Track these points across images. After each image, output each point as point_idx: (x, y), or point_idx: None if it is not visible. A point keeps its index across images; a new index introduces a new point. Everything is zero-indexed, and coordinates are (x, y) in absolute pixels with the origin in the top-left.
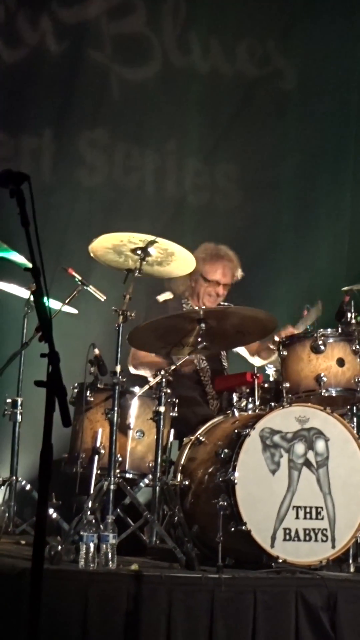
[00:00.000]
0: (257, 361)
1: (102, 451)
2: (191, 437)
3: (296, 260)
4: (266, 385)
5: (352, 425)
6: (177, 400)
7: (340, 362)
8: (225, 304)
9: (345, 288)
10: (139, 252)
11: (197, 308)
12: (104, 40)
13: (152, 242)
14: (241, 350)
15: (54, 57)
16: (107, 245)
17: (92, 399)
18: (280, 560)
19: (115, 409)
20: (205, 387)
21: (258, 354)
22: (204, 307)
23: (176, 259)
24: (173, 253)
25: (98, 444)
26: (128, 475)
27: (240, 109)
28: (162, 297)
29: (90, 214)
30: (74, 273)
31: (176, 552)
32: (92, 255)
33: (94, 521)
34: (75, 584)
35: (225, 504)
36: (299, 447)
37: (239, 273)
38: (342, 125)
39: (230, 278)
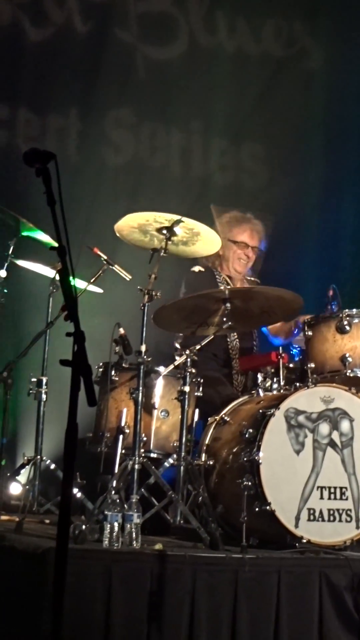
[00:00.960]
0: (277, 341)
1: (127, 431)
2: (216, 417)
3: (321, 240)
4: (291, 365)
5: None
6: (202, 380)
7: None
8: (253, 278)
9: None
10: (164, 231)
11: (222, 288)
12: (130, 20)
13: (178, 222)
14: (263, 330)
15: (80, 36)
16: (132, 224)
17: (117, 379)
18: (304, 541)
19: (140, 388)
20: (233, 365)
21: (278, 335)
22: (229, 287)
23: (201, 239)
24: (199, 233)
25: (123, 424)
26: (152, 455)
27: (266, 88)
28: (196, 269)
29: (115, 193)
30: (99, 252)
31: (200, 532)
32: (117, 234)
33: (118, 500)
34: (100, 563)
35: (250, 484)
36: (324, 428)
37: (263, 242)
38: None
39: (257, 241)
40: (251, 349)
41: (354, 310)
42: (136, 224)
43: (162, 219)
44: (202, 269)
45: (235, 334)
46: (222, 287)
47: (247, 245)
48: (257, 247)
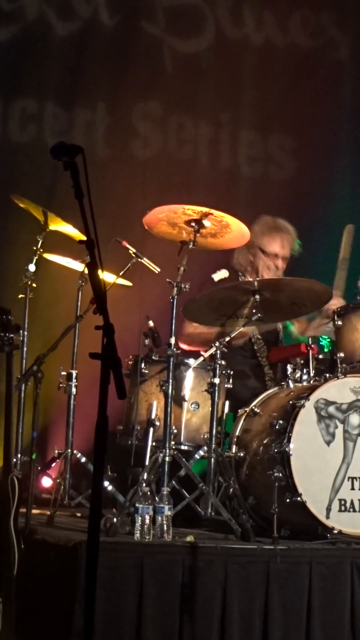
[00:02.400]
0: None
1: (157, 423)
2: (246, 409)
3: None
4: (321, 356)
5: None
6: (231, 372)
7: None
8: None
9: None
10: (193, 224)
11: (251, 280)
12: (157, 13)
13: (206, 214)
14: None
15: (107, 30)
16: (161, 217)
17: (146, 371)
18: (336, 531)
19: (170, 380)
20: (260, 360)
21: (303, 334)
22: (258, 278)
23: (230, 231)
24: (228, 225)
25: (153, 416)
26: (183, 447)
27: (294, 80)
28: (217, 276)
29: (144, 186)
30: (128, 245)
31: (231, 524)
32: (146, 227)
33: (149, 493)
34: (131, 555)
35: (281, 475)
36: (354, 418)
37: (297, 246)
38: None
39: (288, 251)
40: (276, 342)
41: None
42: (165, 217)
43: (191, 212)
44: (225, 275)
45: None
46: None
47: (277, 256)
48: (288, 256)
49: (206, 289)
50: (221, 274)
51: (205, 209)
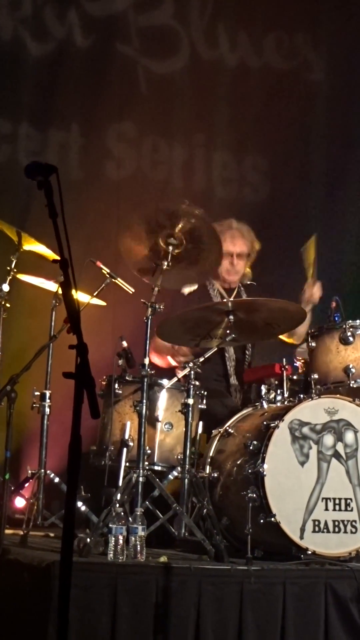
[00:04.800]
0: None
1: (131, 443)
2: (220, 429)
3: (324, 252)
4: (295, 377)
5: None
6: (205, 393)
7: None
8: (249, 282)
9: None
10: (168, 245)
11: (225, 300)
12: (132, 34)
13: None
14: None
15: (81, 50)
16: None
17: (120, 392)
18: (310, 552)
19: (144, 401)
20: (229, 378)
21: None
22: (232, 299)
23: (205, 252)
24: (201, 239)
25: (126, 437)
26: (157, 468)
27: (269, 101)
28: (186, 290)
29: (118, 207)
30: (102, 266)
31: (205, 544)
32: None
33: (122, 513)
34: (105, 576)
35: (255, 495)
36: (328, 439)
37: (256, 243)
38: None
39: (241, 247)
40: (242, 361)
41: (357, 321)
42: (140, 238)
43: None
44: (194, 287)
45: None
46: (219, 300)
47: (231, 254)
48: (242, 252)
49: (179, 304)
50: (190, 287)
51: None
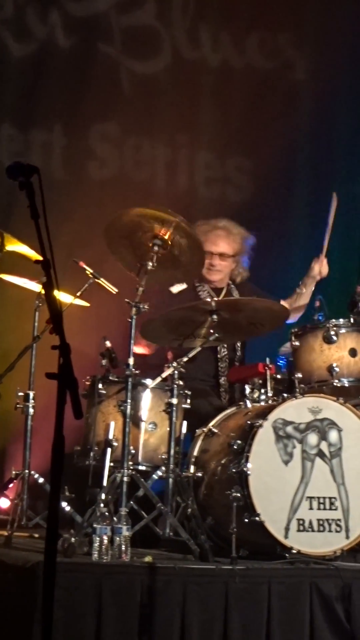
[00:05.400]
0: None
1: (115, 443)
2: (204, 429)
3: (309, 252)
4: (279, 376)
5: None
6: (189, 392)
7: (353, 352)
8: (230, 281)
9: None
10: (154, 245)
11: (209, 300)
12: (114, 34)
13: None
14: None
15: (63, 51)
16: (122, 234)
17: (104, 392)
18: (294, 551)
19: (128, 401)
20: (219, 377)
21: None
22: (216, 298)
23: (188, 255)
24: (187, 245)
25: (111, 437)
26: (141, 467)
27: (252, 101)
28: (175, 289)
29: (100, 207)
30: (85, 266)
31: (190, 544)
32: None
33: (107, 513)
34: (89, 576)
35: (239, 495)
36: (312, 438)
37: (242, 243)
38: (355, 116)
39: (225, 247)
40: (233, 360)
41: (341, 320)
42: (125, 234)
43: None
44: (183, 287)
45: (225, 345)
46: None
47: (211, 254)
48: (225, 252)
49: (166, 305)
50: (179, 287)
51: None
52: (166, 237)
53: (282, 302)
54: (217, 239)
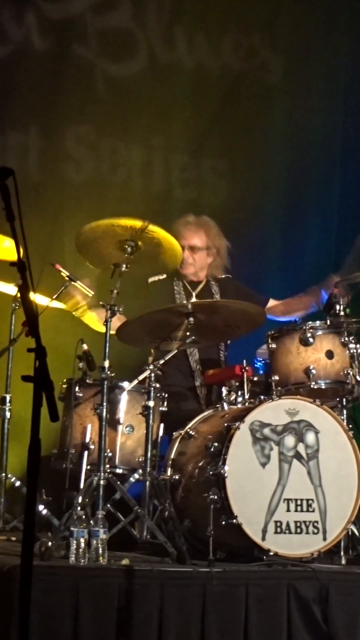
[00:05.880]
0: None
1: (92, 446)
2: (181, 431)
3: (284, 254)
4: (255, 378)
5: (342, 417)
6: (166, 395)
7: (330, 355)
8: (223, 276)
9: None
10: (126, 246)
11: (185, 302)
12: (89, 36)
13: (142, 229)
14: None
15: (39, 53)
16: (94, 236)
17: (81, 395)
18: (272, 553)
19: (104, 404)
20: (195, 378)
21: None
22: (192, 301)
23: (163, 251)
24: (160, 243)
25: (87, 440)
26: (118, 470)
27: (227, 103)
28: (152, 279)
29: (77, 209)
30: (61, 269)
31: (167, 547)
32: (76, 248)
33: (84, 517)
34: (66, 579)
35: (216, 497)
36: (289, 440)
37: (215, 237)
38: (330, 117)
39: (199, 241)
40: (218, 362)
41: (317, 322)
42: (96, 239)
43: (124, 227)
44: (160, 277)
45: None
46: (178, 295)
47: (183, 247)
48: (196, 245)
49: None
50: (157, 277)
51: (140, 223)
52: (138, 241)
53: (273, 302)
54: (187, 232)
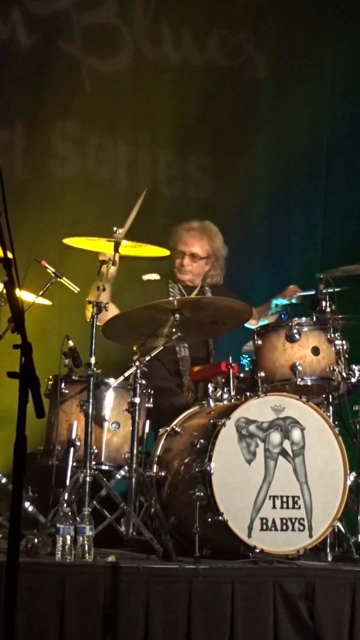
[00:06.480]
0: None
1: (78, 443)
2: (167, 428)
3: (270, 249)
4: (241, 375)
5: (328, 414)
6: (152, 392)
7: (315, 351)
8: (204, 283)
9: (320, 276)
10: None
11: (171, 298)
12: (75, 32)
13: (117, 245)
14: None
15: (24, 49)
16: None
17: (67, 391)
18: (258, 550)
19: (90, 400)
20: (183, 377)
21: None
22: (177, 297)
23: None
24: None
25: (73, 436)
26: (104, 467)
27: (213, 99)
28: (146, 277)
29: (62, 206)
30: (47, 265)
31: (153, 544)
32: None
33: (70, 513)
34: (52, 576)
35: (202, 494)
36: (275, 437)
37: (218, 246)
38: (315, 114)
39: (201, 250)
40: (206, 359)
41: (303, 318)
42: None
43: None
44: (155, 277)
45: (185, 344)
46: (171, 297)
47: (184, 253)
48: (197, 253)
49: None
50: (151, 276)
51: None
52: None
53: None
54: (190, 239)
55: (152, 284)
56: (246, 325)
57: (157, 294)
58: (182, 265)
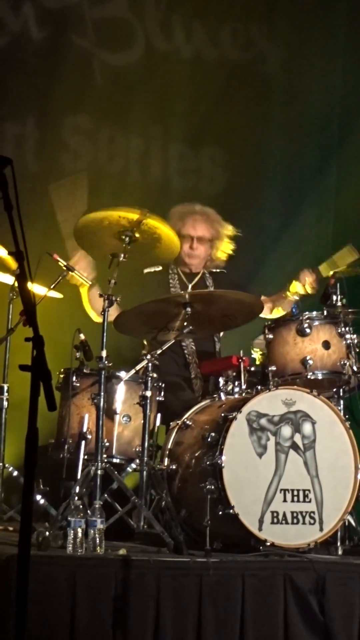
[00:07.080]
0: (265, 314)
1: (89, 436)
2: (178, 421)
3: (282, 243)
4: (252, 368)
5: (339, 408)
6: (163, 385)
7: (326, 345)
8: (218, 270)
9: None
10: (124, 236)
11: (182, 292)
12: (87, 26)
13: (141, 220)
14: None
15: (36, 43)
16: (90, 229)
17: (78, 385)
18: (268, 544)
19: (102, 394)
20: (190, 370)
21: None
22: (178, 286)
23: (161, 244)
24: (159, 238)
25: (85, 429)
26: (115, 460)
27: (224, 92)
28: (147, 270)
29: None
30: (58, 258)
31: (164, 537)
32: (75, 238)
33: (81, 506)
34: (64, 569)
35: (213, 487)
36: (286, 430)
37: (223, 229)
38: (327, 108)
39: (203, 231)
40: (213, 353)
41: (314, 313)
42: (94, 229)
43: (126, 219)
44: (156, 269)
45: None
46: (174, 288)
47: (192, 238)
48: (203, 236)
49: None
50: (152, 268)
51: (140, 214)
52: (136, 232)
53: (263, 298)
54: (196, 223)
55: (151, 276)
56: (261, 315)
57: (157, 285)
58: (191, 249)
